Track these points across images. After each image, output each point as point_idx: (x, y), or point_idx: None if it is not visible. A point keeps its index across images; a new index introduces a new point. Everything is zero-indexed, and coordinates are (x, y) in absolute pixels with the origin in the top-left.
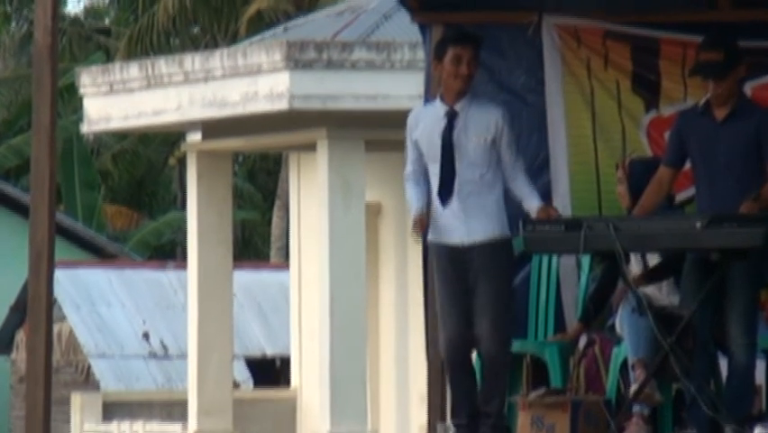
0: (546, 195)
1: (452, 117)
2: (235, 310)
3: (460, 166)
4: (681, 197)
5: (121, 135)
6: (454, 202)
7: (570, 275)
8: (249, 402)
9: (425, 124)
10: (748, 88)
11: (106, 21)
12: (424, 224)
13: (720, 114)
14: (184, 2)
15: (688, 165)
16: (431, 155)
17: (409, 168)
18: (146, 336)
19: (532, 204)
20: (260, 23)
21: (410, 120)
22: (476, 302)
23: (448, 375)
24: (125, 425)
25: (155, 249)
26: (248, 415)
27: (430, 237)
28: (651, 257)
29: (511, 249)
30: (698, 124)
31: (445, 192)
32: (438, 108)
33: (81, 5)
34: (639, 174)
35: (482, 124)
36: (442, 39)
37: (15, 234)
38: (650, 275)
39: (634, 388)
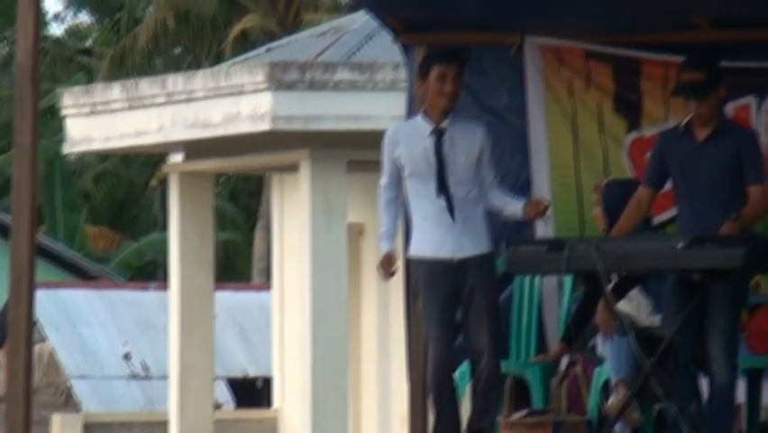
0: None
1: (439, 135)
2: (217, 331)
3: (450, 184)
4: (659, 218)
5: (102, 156)
6: (446, 220)
7: (552, 296)
8: (230, 423)
9: (408, 142)
10: (729, 109)
11: (88, 42)
12: (392, 263)
13: (702, 134)
14: (166, 22)
15: (666, 187)
16: (416, 173)
17: (385, 180)
18: (127, 356)
19: (516, 205)
20: (246, 43)
21: (390, 136)
22: (472, 317)
23: (434, 394)
24: None
25: (137, 270)
26: None
27: (415, 253)
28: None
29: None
30: (679, 145)
31: (448, 210)
32: (421, 126)
33: (63, 26)
34: (615, 196)
35: (468, 142)
36: (426, 56)
37: None
38: (616, 292)
39: (611, 402)
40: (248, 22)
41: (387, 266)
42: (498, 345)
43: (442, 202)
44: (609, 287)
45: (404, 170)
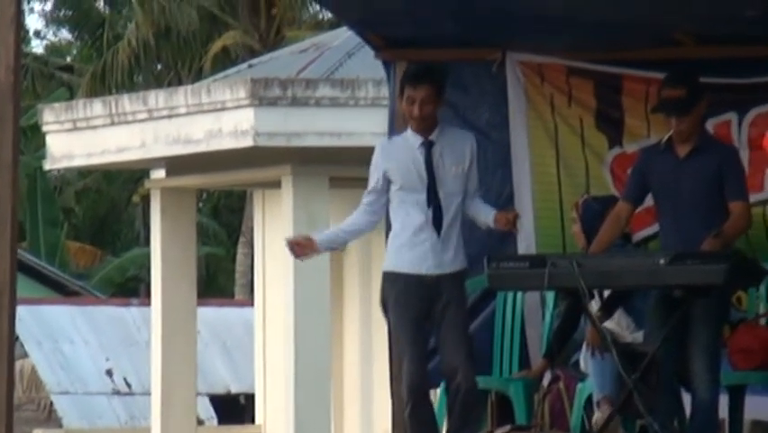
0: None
1: (429, 148)
2: (199, 347)
3: (441, 196)
4: (640, 235)
5: (83, 173)
6: (433, 234)
7: (534, 312)
8: None
9: (399, 155)
10: (710, 125)
11: (69, 58)
12: (305, 249)
13: (683, 150)
14: (147, 39)
15: (647, 203)
16: (407, 186)
17: (366, 198)
18: (109, 373)
19: (488, 215)
20: (226, 60)
21: (381, 149)
22: (447, 334)
23: (409, 410)
24: None
25: (119, 286)
26: None
27: (392, 268)
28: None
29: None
30: (660, 161)
31: (437, 223)
32: (411, 139)
33: (44, 43)
34: (593, 214)
35: (457, 153)
36: (402, 74)
37: None
38: (604, 310)
39: (595, 418)
40: (227, 39)
41: (299, 248)
42: (472, 361)
43: (430, 215)
44: (595, 305)
45: (393, 184)
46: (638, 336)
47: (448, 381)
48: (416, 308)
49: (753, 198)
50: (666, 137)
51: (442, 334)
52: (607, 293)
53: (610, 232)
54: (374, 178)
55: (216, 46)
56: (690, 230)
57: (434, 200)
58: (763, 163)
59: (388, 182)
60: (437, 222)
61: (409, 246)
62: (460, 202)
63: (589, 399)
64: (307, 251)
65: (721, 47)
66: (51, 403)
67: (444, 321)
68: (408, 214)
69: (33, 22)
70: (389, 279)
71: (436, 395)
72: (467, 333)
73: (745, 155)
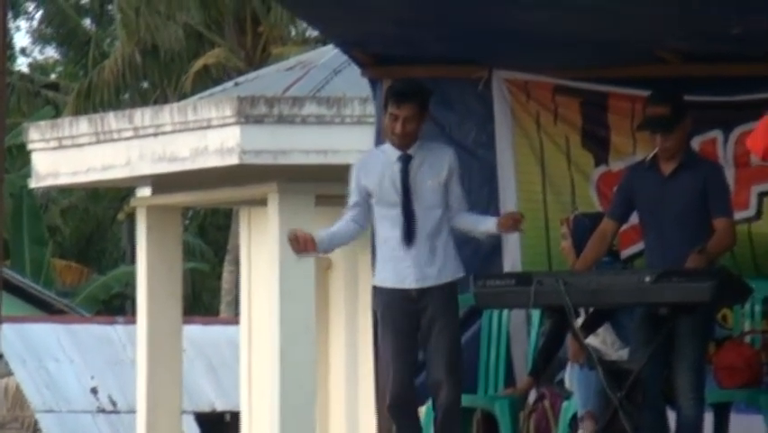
0: (496, 249)
1: (406, 161)
2: (185, 365)
3: (418, 209)
4: (627, 252)
5: (68, 191)
6: (413, 247)
7: (520, 330)
8: None
9: (377, 169)
10: (695, 143)
11: (54, 76)
12: (305, 243)
13: (668, 168)
14: (133, 57)
15: (633, 221)
16: (384, 199)
17: (348, 211)
18: (94, 391)
19: (489, 221)
20: (207, 78)
21: (359, 165)
22: (432, 348)
23: (396, 429)
24: None
25: (104, 304)
26: None
27: (379, 283)
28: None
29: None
30: (645, 179)
31: (408, 237)
32: (390, 152)
33: (28, 60)
34: (584, 230)
35: (436, 166)
36: (386, 91)
37: None
38: (586, 326)
39: None
40: (209, 58)
41: (297, 243)
42: (458, 376)
43: (405, 228)
44: (578, 322)
45: (371, 198)
46: (623, 354)
47: (433, 396)
48: (400, 323)
49: (738, 215)
50: (651, 155)
51: (429, 349)
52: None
53: (596, 249)
54: (354, 193)
55: (198, 64)
56: (674, 247)
57: (408, 214)
58: (748, 181)
59: (368, 195)
60: (410, 236)
61: (391, 260)
62: (440, 215)
63: (575, 417)
64: (308, 248)
65: (707, 65)
66: (36, 422)
67: (431, 336)
68: (385, 228)
69: (20, 39)
70: (376, 293)
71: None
72: (454, 348)
73: (730, 173)
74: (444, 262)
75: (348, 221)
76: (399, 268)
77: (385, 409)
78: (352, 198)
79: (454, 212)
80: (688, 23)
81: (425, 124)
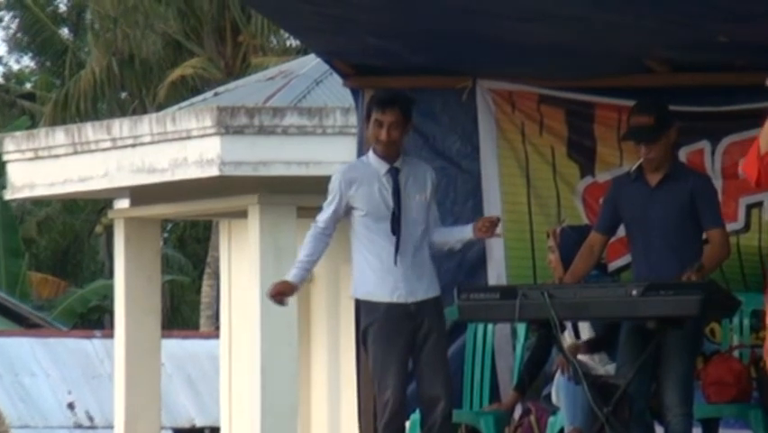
0: (480, 262)
1: (395, 175)
2: (163, 380)
3: (406, 223)
4: (614, 265)
5: (45, 203)
6: (401, 262)
7: (505, 344)
8: None
9: (363, 182)
10: (682, 154)
11: (29, 85)
12: (286, 295)
13: (653, 179)
14: (111, 66)
15: (620, 233)
16: (371, 213)
17: (325, 216)
18: (71, 406)
19: (464, 229)
20: (184, 89)
21: (343, 175)
22: (427, 363)
23: None
24: None
25: (81, 317)
26: None
27: (368, 297)
28: (581, 325)
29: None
30: (631, 190)
31: (399, 250)
32: (375, 165)
33: (4, 70)
34: (571, 242)
35: (420, 181)
36: (368, 100)
37: None
38: (591, 346)
39: None
40: (186, 68)
41: (279, 296)
42: (451, 390)
43: (395, 242)
44: (568, 337)
45: (357, 211)
46: (610, 369)
47: (426, 410)
48: (397, 339)
49: (727, 227)
50: (636, 165)
51: (422, 362)
52: (586, 331)
53: (585, 263)
54: (333, 204)
55: (174, 74)
56: (660, 260)
57: (398, 228)
58: (736, 192)
59: (349, 209)
60: (403, 249)
61: (380, 274)
62: (424, 230)
63: (561, 432)
64: (287, 294)
65: (694, 74)
66: None
67: (425, 349)
68: (374, 241)
69: None
70: (367, 307)
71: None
72: (447, 362)
73: (718, 184)
74: (431, 276)
75: (319, 239)
76: (388, 281)
77: (369, 425)
78: (331, 206)
79: (430, 230)
80: (674, 33)
81: (409, 135)
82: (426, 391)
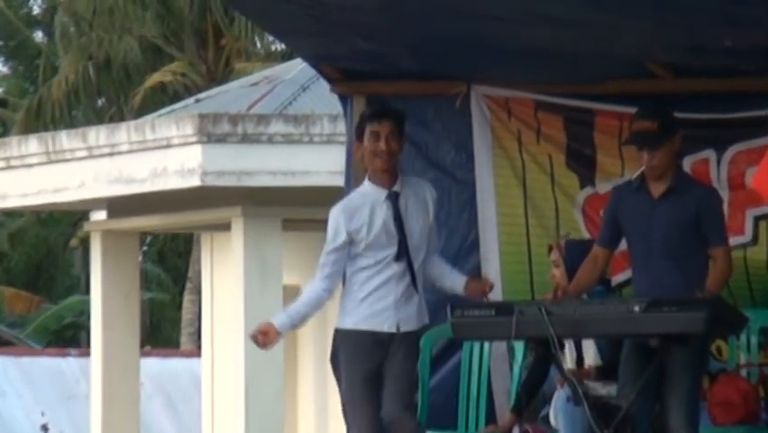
0: (476, 276)
1: (395, 199)
2: (142, 401)
3: (410, 251)
4: (617, 279)
5: (17, 214)
6: (395, 289)
7: (501, 363)
8: None
9: (363, 213)
10: (687, 163)
11: (0, 91)
12: (271, 341)
13: (657, 190)
14: (87, 71)
15: (623, 246)
16: (374, 244)
17: (334, 254)
18: (45, 428)
19: (458, 279)
20: (164, 95)
21: (342, 209)
22: (388, 384)
23: None
24: None
25: (55, 334)
26: None
27: (349, 325)
28: (585, 344)
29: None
30: (632, 201)
31: (410, 277)
32: (373, 193)
33: None
34: (579, 254)
35: (420, 203)
36: (360, 118)
37: None
38: (602, 372)
39: None
40: (165, 73)
41: (263, 337)
42: (412, 414)
43: (398, 270)
44: (569, 357)
45: (355, 246)
46: (611, 389)
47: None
48: (371, 367)
49: (733, 240)
50: (637, 174)
51: (384, 385)
52: (590, 351)
53: (588, 274)
54: (336, 241)
55: (153, 80)
56: (661, 275)
57: (405, 253)
58: (743, 204)
59: (350, 242)
60: (410, 274)
61: (369, 303)
62: (423, 256)
63: None
64: (271, 338)
65: (698, 79)
66: None
67: (387, 372)
68: (371, 272)
69: None
70: (340, 336)
71: None
72: (410, 384)
73: (724, 195)
74: (420, 305)
75: (319, 291)
76: (377, 311)
77: None
78: (334, 244)
79: (428, 256)
80: (678, 36)
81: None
82: (385, 415)
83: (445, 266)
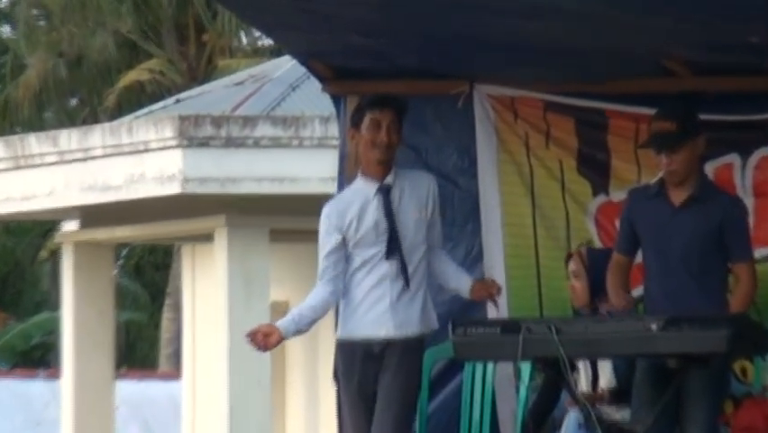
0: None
1: (386, 193)
2: (118, 426)
3: (403, 247)
4: (633, 294)
5: None
6: (391, 290)
7: (507, 385)
8: None
9: (352, 210)
10: (709, 168)
11: None
12: (270, 343)
13: (678, 197)
14: (57, 70)
15: (638, 258)
16: (363, 241)
17: (330, 257)
18: None
19: (463, 281)
20: (142, 94)
21: (333, 208)
22: (378, 409)
23: None
24: None
25: (22, 355)
26: None
27: (345, 335)
28: (601, 363)
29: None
30: (650, 208)
31: (402, 276)
32: (363, 188)
33: None
34: (603, 266)
35: (418, 196)
36: (358, 105)
37: None
38: (616, 395)
39: None
40: (142, 71)
41: (262, 337)
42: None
43: (392, 269)
44: (584, 379)
45: (348, 243)
46: (626, 414)
47: None
48: (367, 378)
49: (758, 252)
50: (657, 178)
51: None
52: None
53: (621, 278)
54: (331, 243)
55: (128, 78)
56: (678, 291)
57: (396, 250)
58: None
59: (346, 244)
60: (402, 274)
61: (364, 308)
62: (423, 253)
63: None
64: (272, 340)
65: (721, 78)
66: None
67: (379, 390)
68: (363, 273)
69: None
70: (337, 347)
71: None
72: (402, 409)
73: (749, 203)
74: (424, 308)
75: (324, 294)
76: (373, 316)
77: None
78: (329, 246)
79: (432, 252)
80: (699, 31)
81: (398, 150)
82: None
83: (451, 264)
